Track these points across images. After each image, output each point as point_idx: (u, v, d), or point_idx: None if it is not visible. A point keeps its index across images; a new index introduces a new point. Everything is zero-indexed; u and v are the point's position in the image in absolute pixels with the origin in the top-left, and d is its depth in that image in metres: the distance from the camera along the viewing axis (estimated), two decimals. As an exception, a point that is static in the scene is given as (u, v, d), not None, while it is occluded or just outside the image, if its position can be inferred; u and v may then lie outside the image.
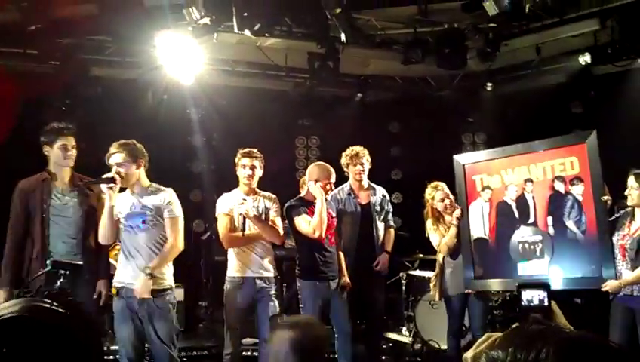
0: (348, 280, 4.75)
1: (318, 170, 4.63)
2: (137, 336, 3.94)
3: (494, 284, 4.89)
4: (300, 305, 4.67)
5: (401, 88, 8.24)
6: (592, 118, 7.03)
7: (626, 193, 4.33)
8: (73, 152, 4.16)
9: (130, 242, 3.98)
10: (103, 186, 3.91)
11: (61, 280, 3.08)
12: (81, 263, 3.48)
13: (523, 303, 1.02)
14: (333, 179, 4.64)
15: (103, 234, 3.99)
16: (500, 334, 1.04)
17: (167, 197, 4.04)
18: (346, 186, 5.25)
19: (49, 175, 4.16)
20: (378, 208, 5.24)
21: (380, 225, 5.23)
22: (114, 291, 4.00)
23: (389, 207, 5.38)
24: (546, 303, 0.96)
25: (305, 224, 4.50)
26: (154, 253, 3.96)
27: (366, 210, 5.18)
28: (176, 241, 4.02)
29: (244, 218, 4.35)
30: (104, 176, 3.91)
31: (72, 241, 4.12)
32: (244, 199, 4.39)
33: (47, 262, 3.39)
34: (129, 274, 3.96)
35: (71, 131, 4.19)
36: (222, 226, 4.49)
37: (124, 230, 3.99)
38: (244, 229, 4.37)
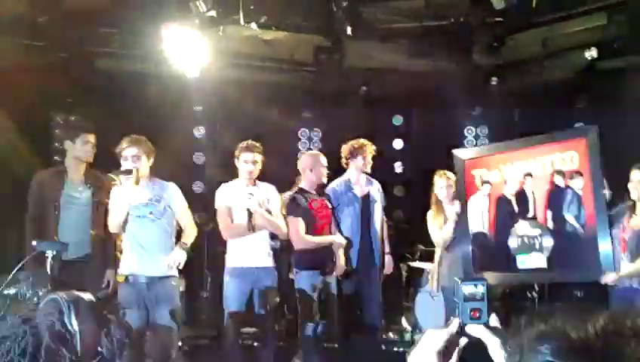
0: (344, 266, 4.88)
1: (310, 159, 4.77)
2: (143, 322, 4.07)
3: (493, 278, 4.90)
4: (297, 295, 4.72)
5: (405, 82, 8.22)
6: (597, 113, 7.00)
7: (629, 186, 4.34)
8: (94, 148, 4.42)
9: (138, 232, 4.12)
10: (122, 177, 4.09)
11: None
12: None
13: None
14: (325, 165, 4.89)
15: (118, 224, 4.12)
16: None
17: (173, 189, 4.29)
18: (344, 178, 5.27)
19: (65, 167, 4.44)
20: (376, 199, 5.27)
21: (378, 216, 5.26)
22: (122, 279, 4.14)
23: (384, 200, 5.39)
24: (483, 298, 1.00)
25: (297, 231, 4.61)
26: (162, 241, 4.16)
27: (365, 202, 5.22)
28: (194, 226, 4.37)
29: (250, 212, 4.40)
30: (123, 168, 4.08)
31: (82, 231, 4.33)
32: (251, 194, 4.43)
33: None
34: (137, 262, 4.11)
35: (93, 128, 4.49)
36: (222, 218, 4.55)
37: (133, 220, 4.13)
38: (250, 222, 4.42)
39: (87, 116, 7.19)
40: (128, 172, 4.05)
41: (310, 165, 4.81)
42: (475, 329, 1.09)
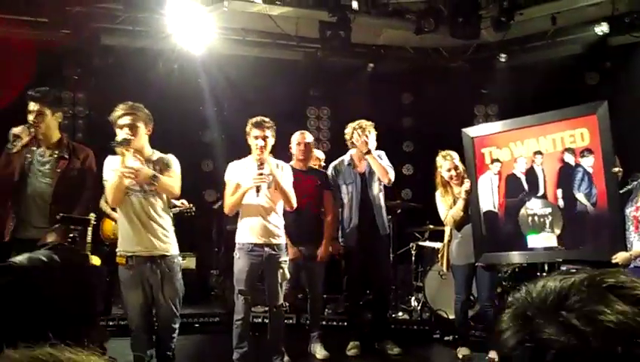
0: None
1: (294, 137, 5.13)
2: (146, 302, 3.98)
3: (504, 257, 4.90)
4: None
5: (413, 58, 8.12)
6: (608, 89, 6.91)
7: None
8: (30, 117, 4.00)
9: (136, 208, 3.92)
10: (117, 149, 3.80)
11: (72, 234, 3.13)
12: (89, 218, 3.45)
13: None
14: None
15: (115, 197, 3.89)
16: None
17: (170, 161, 4.05)
18: (346, 157, 5.28)
19: (36, 136, 4.03)
20: (378, 175, 5.20)
21: (377, 189, 5.21)
22: (122, 260, 3.94)
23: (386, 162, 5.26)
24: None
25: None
26: (159, 218, 3.94)
27: (364, 179, 5.22)
28: (175, 184, 4.03)
29: (258, 190, 4.39)
30: (119, 139, 3.79)
31: (44, 205, 3.97)
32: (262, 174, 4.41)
33: (58, 217, 3.40)
34: (137, 241, 3.92)
35: (35, 97, 4.05)
36: (228, 193, 4.54)
37: (131, 195, 3.92)
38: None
39: (90, 93, 7.17)
40: (125, 142, 3.75)
41: (293, 142, 5.13)
42: None
